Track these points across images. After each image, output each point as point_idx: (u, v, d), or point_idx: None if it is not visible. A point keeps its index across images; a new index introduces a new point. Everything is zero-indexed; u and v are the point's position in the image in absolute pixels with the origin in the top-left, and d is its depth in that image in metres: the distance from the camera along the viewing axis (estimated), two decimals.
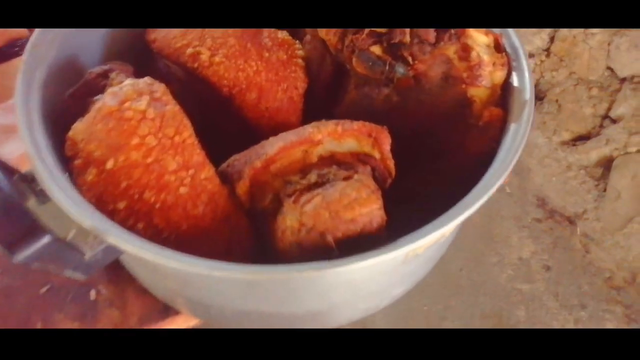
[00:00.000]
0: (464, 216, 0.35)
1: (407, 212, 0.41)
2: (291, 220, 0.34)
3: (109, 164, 0.37)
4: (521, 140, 0.39)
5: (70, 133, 0.40)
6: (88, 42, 0.50)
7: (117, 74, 0.45)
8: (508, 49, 0.45)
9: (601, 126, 1.48)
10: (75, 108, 0.44)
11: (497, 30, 0.46)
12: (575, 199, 1.40)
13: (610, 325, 1.23)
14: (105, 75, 0.45)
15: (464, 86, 0.42)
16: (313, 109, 0.49)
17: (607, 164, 1.41)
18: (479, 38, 0.43)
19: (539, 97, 1.45)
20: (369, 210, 0.34)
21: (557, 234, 1.40)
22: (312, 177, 0.36)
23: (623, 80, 1.46)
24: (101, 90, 0.44)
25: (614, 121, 1.44)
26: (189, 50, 0.48)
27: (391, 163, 0.38)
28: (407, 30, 0.43)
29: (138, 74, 0.50)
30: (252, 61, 0.47)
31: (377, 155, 0.38)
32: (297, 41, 0.50)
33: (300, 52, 0.49)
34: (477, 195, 0.37)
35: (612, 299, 1.29)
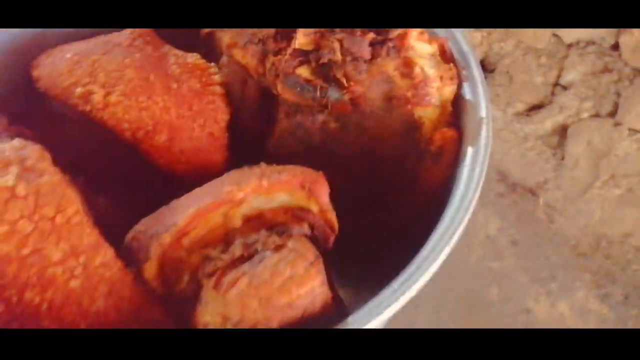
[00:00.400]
0: (427, 276, 0.29)
1: (358, 266, 0.35)
2: (212, 314, 0.27)
3: None
4: (481, 168, 0.33)
5: None
6: None
7: None
8: (456, 55, 0.38)
9: (553, 94, 1.47)
10: None
11: (441, 33, 0.39)
12: (535, 169, 1.39)
13: (580, 293, 1.23)
14: None
15: (409, 107, 0.36)
16: (241, 143, 0.41)
17: (562, 132, 1.40)
18: (421, 49, 0.36)
19: (489, 69, 1.42)
20: (309, 289, 0.27)
21: (521, 207, 1.39)
22: (236, 249, 0.29)
23: (570, 46, 1.45)
24: None
25: (565, 88, 1.43)
26: (79, 90, 0.39)
27: (332, 215, 0.32)
28: (337, 46, 0.36)
29: (23, 122, 0.41)
30: (158, 96, 0.39)
31: (314, 208, 0.31)
32: (212, 64, 0.42)
33: (217, 78, 0.41)
34: (439, 246, 0.30)
35: (580, 266, 1.30)
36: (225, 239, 0.30)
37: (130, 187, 0.41)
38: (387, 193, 0.38)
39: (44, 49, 0.45)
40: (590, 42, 1.24)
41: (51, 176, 0.31)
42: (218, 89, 0.41)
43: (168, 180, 0.40)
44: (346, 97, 0.36)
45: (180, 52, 0.42)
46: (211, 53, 0.43)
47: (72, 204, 0.30)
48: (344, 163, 0.38)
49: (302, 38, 0.36)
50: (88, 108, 0.39)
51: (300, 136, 0.38)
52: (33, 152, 0.32)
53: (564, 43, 1.57)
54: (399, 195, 0.38)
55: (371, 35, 0.35)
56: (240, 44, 0.38)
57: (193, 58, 0.41)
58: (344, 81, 0.36)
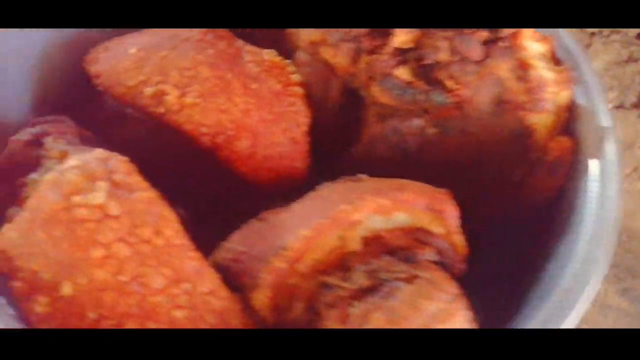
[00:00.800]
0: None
1: None
2: None
3: (66, 289, 0.26)
4: (615, 186, 0.30)
5: None
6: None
7: (55, 139, 0.33)
8: (561, 54, 0.36)
9: None
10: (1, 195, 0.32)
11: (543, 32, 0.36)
12: None
13: (600, 287, 1.24)
14: (37, 142, 0.33)
15: (521, 113, 0.33)
16: (319, 149, 0.39)
17: None
18: (534, 48, 0.33)
19: None
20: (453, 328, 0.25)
21: None
22: (359, 277, 0.26)
23: (593, 34, 1.43)
24: (35, 164, 0.32)
25: None
26: (149, 90, 0.36)
27: (461, 239, 0.29)
28: (445, 45, 0.33)
29: (83, 123, 0.38)
30: (237, 97, 0.36)
31: (439, 230, 0.29)
32: (288, 61, 0.39)
33: (296, 77, 0.38)
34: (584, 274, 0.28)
35: None
36: (343, 264, 0.27)
37: (208, 197, 0.38)
38: (486, 204, 0.36)
39: (94, 40, 0.41)
40: (615, 31, 1.22)
41: (144, 192, 0.28)
42: (298, 89, 0.38)
43: (247, 190, 0.38)
44: (451, 101, 0.33)
45: (255, 49, 0.38)
46: (281, 48, 0.40)
47: (171, 223, 0.28)
48: (440, 170, 0.36)
49: (403, 36, 0.33)
50: (161, 110, 0.35)
51: (394, 142, 0.36)
52: (120, 163, 0.29)
53: (587, 31, 1.55)
54: (502, 205, 0.35)
55: (484, 33, 0.33)
56: (331, 42, 0.35)
57: (270, 55, 0.38)
58: (450, 83, 0.33)
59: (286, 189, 0.39)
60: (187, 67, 0.36)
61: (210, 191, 0.38)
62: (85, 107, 0.42)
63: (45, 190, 0.27)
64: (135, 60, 0.37)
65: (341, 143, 0.39)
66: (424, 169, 0.36)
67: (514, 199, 0.35)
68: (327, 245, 0.28)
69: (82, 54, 0.41)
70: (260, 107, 0.36)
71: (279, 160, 0.37)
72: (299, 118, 0.38)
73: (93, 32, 0.42)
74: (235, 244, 0.30)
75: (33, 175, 0.31)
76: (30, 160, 0.32)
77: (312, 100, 0.38)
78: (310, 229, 0.27)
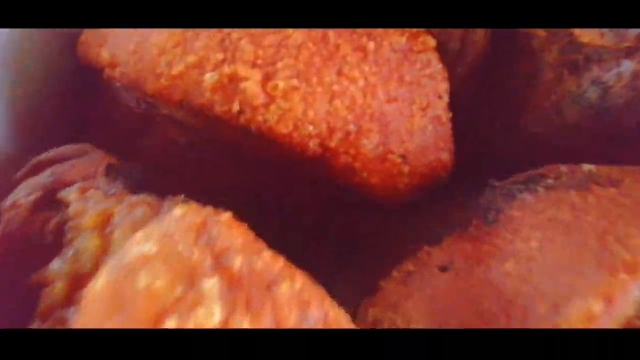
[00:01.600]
0: None
1: None
2: None
3: None
4: None
5: None
6: None
7: (80, 190, 0.18)
8: None
9: None
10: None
11: None
12: None
13: None
14: (49, 199, 0.18)
15: None
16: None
17: None
18: None
19: None
20: None
21: None
22: None
23: None
24: (54, 241, 0.17)
25: None
26: (210, 78, 0.20)
27: None
28: None
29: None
30: (352, 69, 0.21)
31: None
32: None
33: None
34: None
35: None
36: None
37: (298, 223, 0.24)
38: None
39: None
40: None
41: (289, 282, 0.14)
42: (430, 41, 0.23)
43: (364, 205, 0.24)
44: None
45: None
46: None
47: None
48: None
49: None
50: (235, 109, 0.20)
51: (592, 100, 0.22)
52: (228, 232, 0.14)
53: None
54: None
55: None
56: None
57: None
58: None
59: (425, 195, 0.25)
60: (266, 32, 0.21)
61: (317, 218, 0.24)
62: (78, 110, 0.26)
63: (95, 308, 0.13)
64: (175, 31, 0.21)
65: (477, 109, 0.25)
66: (630, 137, 0.23)
67: None
68: (625, 312, 0.14)
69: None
70: (385, 79, 0.22)
71: (423, 156, 0.22)
72: (439, 84, 0.23)
73: None
74: (425, 317, 0.17)
75: (55, 266, 0.17)
76: (45, 236, 0.17)
77: (446, 55, 0.24)
78: (599, 294, 0.14)
